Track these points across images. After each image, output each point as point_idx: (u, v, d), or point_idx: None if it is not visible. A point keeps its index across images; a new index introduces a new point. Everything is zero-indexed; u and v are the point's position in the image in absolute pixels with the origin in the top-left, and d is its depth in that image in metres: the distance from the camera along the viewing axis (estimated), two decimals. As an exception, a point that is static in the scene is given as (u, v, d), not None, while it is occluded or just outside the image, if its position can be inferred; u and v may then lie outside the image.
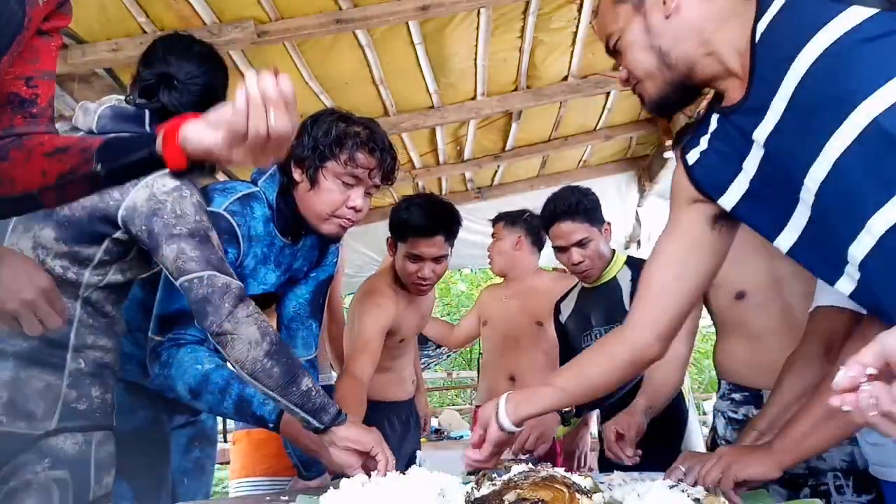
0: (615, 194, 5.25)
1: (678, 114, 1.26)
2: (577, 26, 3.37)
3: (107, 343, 1.34)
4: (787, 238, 1.03)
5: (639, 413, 1.80)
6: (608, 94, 4.16)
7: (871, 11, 0.86)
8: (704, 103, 1.24)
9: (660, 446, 1.86)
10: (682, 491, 1.10)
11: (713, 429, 1.89)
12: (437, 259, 2.20)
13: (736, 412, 1.79)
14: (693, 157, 1.16)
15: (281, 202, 1.61)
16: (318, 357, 1.96)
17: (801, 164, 0.94)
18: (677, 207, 1.21)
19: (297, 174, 1.58)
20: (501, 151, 4.73)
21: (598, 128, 4.67)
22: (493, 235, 3.14)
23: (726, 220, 1.18)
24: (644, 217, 5.34)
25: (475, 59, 3.47)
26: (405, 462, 2.01)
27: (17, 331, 1.03)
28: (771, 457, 1.20)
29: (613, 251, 2.40)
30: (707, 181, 1.13)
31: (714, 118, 1.12)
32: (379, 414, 2.60)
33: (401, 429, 2.70)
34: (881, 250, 0.90)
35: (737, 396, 1.78)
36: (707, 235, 1.18)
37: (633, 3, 1.13)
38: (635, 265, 2.31)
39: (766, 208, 1.04)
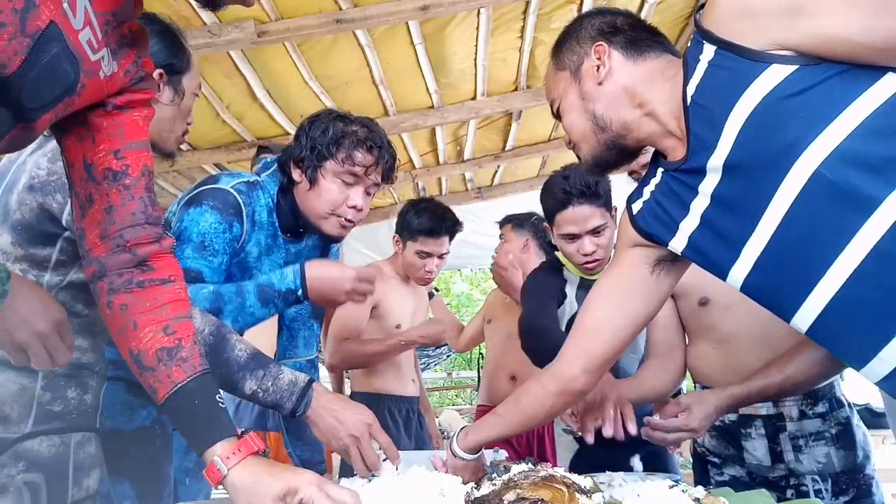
0: (615, 194, 5.25)
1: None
2: (577, 26, 3.37)
3: (83, 343, 1.31)
4: (737, 277, 1.05)
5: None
6: (608, 94, 4.16)
7: (792, 68, 0.89)
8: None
9: (659, 449, 1.86)
10: (683, 491, 1.10)
11: None
12: (442, 256, 2.64)
13: None
14: (637, 206, 1.20)
15: (281, 199, 1.62)
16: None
17: (749, 218, 0.97)
18: (620, 250, 1.25)
19: (296, 174, 1.59)
20: (501, 151, 4.73)
21: (598, 128, 4.67)
22: (500, 237, 3.14)
23: (668, 266, 1.21)
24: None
25: (475, 59, 3.47)
26: None
27: (23, 364, 1.00)
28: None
29: None
30: (650, 229, 1.17)
31: (658, 171, 1.16)
32: (376, 406, 2.64)
33: (403, 423, 2.71)
34: (826, 321, 0.93)
35: None
36: (645, 278, 1.21)
37: (571, 71, 1.19)
38: None
39: (716, 248, 1.06)
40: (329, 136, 1.55)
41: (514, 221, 3.08)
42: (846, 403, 1.67)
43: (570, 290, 2.14)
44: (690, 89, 1.01)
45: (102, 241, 1.02)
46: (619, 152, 1.18)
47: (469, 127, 4.26)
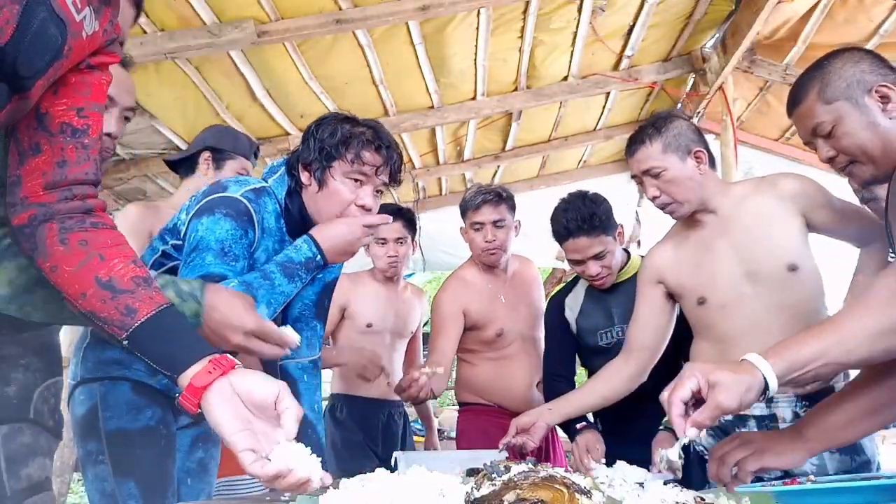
0: (615, 194, 5.21)
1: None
2: (577, 26, 3.37)
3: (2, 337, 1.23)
4: None
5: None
6: (608, 94, 4.16)
7: None
8: None
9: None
10: (682, 490, 1.10)
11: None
12: (399, 240, 2.79)
13: None
14: None
15: (289, 203, 1.62)
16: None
17: None
18: None
19: (304, 177, 1.60)
20: (501, 151, 4.73)
21: (597, 128, 4.68)
22: (478, 226, 3.06)
23: None
24: (644, 217, 5.33)
25: (475, 59, 3.47)
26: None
27: None
28: (802, 444, 1.20)
29: (627, 252, 2.37)
30: None
31: None
32: (352, 408, 2.78)
33: (382, 427, 2.75)
34: None
35: None
36: None
37: (848, 99, 1.30)
38: None
39: None
40: (337, 137, 1.56)
41: (508, 203, 2.75)
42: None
43: (575, 300, 2.38)
44: None
45: (47, 191, 1.00)
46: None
47: (469, 127, 4.26)
